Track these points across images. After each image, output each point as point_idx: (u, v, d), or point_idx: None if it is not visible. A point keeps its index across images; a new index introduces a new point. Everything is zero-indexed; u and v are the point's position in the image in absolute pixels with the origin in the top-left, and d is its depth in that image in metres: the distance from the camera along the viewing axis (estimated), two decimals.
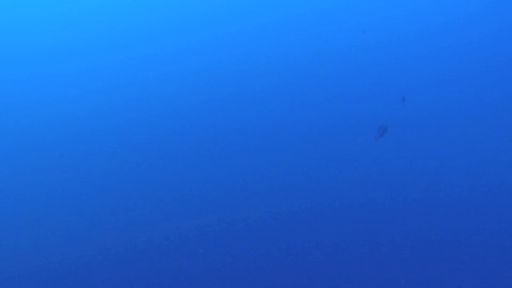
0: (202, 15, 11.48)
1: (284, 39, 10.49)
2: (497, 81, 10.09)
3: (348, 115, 9.89)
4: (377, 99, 9.68)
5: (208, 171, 9.83)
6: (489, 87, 10.05)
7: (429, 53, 10.13)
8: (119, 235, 8.93)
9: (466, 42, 10.27)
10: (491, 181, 9.01)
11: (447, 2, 10.32)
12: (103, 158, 10.17)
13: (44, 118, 10.77)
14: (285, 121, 10.14)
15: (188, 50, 11.29)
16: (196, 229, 8.98)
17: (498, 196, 8.80)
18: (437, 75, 9.94)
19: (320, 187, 9.32)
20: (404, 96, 9.17)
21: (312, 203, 9.18)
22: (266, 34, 10.60)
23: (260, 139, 10.11)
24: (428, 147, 9.59)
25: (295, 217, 9.09)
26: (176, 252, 8.64)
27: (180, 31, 11.39)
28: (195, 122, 10.64)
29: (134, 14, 11.42)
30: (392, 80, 9.94)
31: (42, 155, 10.13)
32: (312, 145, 9.82)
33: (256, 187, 9.42)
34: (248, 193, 9.56)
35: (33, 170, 9.85)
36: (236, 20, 10.96)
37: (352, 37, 10.22)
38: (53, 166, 10.01)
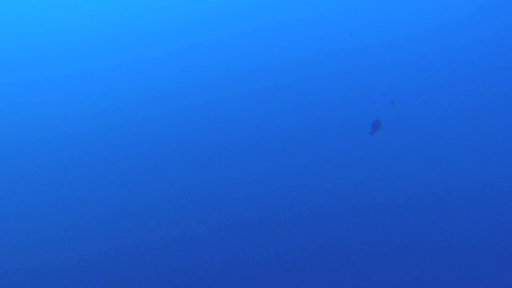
0: (192, 20, 11.55)
1: (275, 43, 10.60)
2: (490, 81, 10.22)
3: (341, 116, 9.97)
4: (368, 101, 9.82)
5: (203, 173, 9.86)
6: (482, 87, 10.17)
7: (419, 54, 10.27)
8: (121, 237, 8.94)
9: (458, 43, 10.41)
10: (489, 181, 9.06)
11: (436, 5, 10.50)
12: (104, 159, 10.15)
13: (44, 120, 10.74)
14: (279, 122, 10.21)
15: (182, 53, 11.32)
16: (195, 231, 8.98)
17: (496, 195, 8.84)
18: (430, 76, 10.07)
19: (316, 186, 9.36)
20: (392, 99, 9.34)
21: (310, 202, 9.20)
22: (256, 38, 10.72)
23: (256, 140, 10.16)
24: (424, 146, 9.68)
25: (293, 217, 9.12)
26: (179, 254, 8.64)
27: (175, 35, 11.42)
28: (195, 124, 10.66)
29: (134, 15, 11.46)
30: (384, 81, 10.06)
31: (43, 156, 10.11)
32: (307, 146, 9.88)
33: (254, 186, 9.43)
34: (244, 193, 9.57)
35: (33, 171, 9.82)
36: (226, 24, 11.05)
37: (340, 40, 10.38)
38: (56, 167, 9.97)
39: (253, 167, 9.66)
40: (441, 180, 9.15)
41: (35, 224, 9.05)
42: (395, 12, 10.29)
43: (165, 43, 11.26)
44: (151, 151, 10.37)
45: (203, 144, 10.40)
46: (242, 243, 8.85)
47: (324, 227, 8.93)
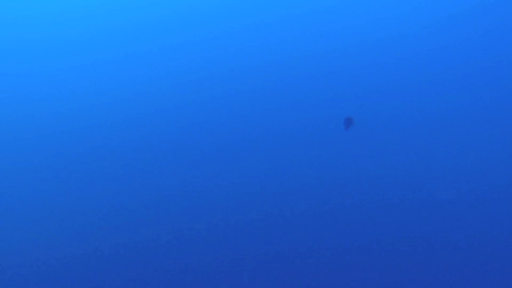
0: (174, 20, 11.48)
1: (251, 44, 10.60)
2: (474, 82, 10.28)
3: (316, 116, 10.07)
4: (340, 100, 9.91)
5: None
6: (467, 87, 10.22)
7: (391, 55, 10.32)
8: (118, 235, 9.04)
9: (430, 44, 10.46)
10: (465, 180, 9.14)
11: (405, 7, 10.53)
12: (100, 157, 10.20)
13: (42, 117, 10.75)
14: (257, 122, 10.25)
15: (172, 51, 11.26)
16: (188, 230, 9.13)
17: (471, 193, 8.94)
18: (402, 76, 10.13)
19: (296, 185, 9.47)
20: (361, 103, 9.53)
21: (290, 200, 9.30)
22: (227, 41, 10.68)
23: (234, 140, 10.23)
24: (398, 145, 9.80)
25: (271, 215, 9.24)
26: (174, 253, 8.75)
27: (166, 32, 11.37)
28: (187, 121, 10.72)
29: (127, 12, 11.40)
30: (356, 81, 10.12)
31: (40, 154, 10.17)
32: (283, 145, 9.98)
33: (230, 186, 9.51)
34: (224, 192, 9.65)
35: (30, 169, 9.86)
36: (202, 26, 10.97)
37: (311, 41, 10.46)
38: (52, 165, 10.02)
39: (227, 167, 9.68)
40: (416, 179, 9.26)
41: (31, 222, 9.18)
42: (366, 13, 10.27)
43: (156, 40, 11.26)
44: (145, 150, 10.46)
45: (195, 142, 10.52)
46: (228, 241, 8.93)
47: (302, 226, 9.01)
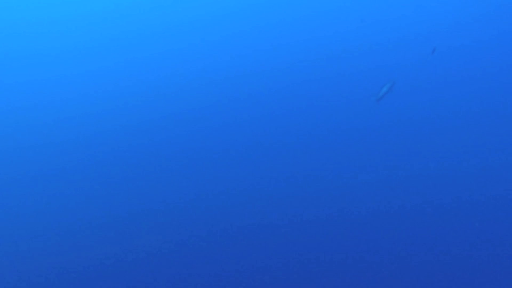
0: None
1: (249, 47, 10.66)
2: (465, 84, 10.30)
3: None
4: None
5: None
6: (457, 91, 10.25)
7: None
8: (118, 238, 9.07)
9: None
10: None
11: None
12: (102, 160, 10.21)
13: (45, 120, 10.73)
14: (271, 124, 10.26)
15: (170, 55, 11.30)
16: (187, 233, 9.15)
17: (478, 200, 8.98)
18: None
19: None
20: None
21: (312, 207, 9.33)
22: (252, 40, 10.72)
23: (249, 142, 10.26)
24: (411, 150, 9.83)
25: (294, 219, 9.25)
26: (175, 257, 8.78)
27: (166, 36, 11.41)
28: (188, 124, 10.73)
29: (128, 17, 11.43)
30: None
31: (43, 157, 10.18)
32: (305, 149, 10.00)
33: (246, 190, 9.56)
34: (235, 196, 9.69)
35: (32, 172, 9.89)
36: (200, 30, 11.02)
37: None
38: (57, 168, 10.04)
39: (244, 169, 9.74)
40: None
41: (32, 225, 9.17)
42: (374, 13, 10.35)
43: (158, 44, 11.28)
44: (147, 154, 10.46)
45: (197, 146, 10.54)
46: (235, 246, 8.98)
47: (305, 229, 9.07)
